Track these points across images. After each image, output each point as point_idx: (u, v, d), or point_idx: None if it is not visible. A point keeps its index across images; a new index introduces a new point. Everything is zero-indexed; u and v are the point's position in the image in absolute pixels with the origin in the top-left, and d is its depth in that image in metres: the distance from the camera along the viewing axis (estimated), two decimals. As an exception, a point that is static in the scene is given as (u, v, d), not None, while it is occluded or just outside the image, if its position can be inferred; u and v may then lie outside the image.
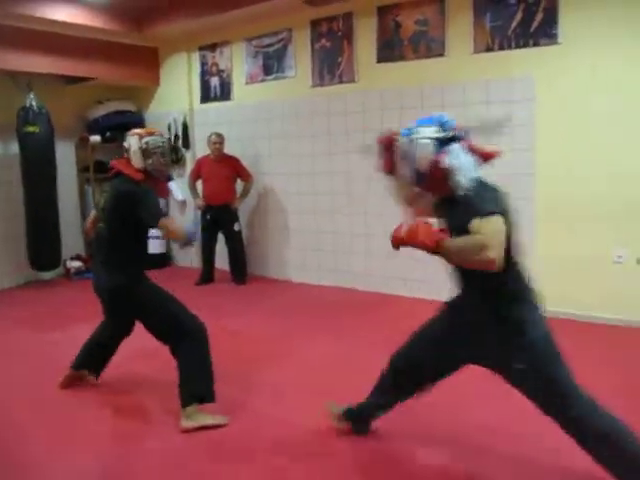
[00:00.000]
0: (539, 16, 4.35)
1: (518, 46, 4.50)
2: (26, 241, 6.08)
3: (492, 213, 2.05)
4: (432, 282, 4.95)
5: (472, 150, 2.27)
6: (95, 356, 3.47)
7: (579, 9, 4.24)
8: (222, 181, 5.93)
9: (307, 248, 6.07)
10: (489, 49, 4.65)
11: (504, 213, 2.11)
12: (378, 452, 2.69)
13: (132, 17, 6.11)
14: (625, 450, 2.12)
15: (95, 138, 6.78)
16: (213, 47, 6.50)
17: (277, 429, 2.93)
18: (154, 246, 6.91)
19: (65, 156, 6.67)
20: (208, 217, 6.07)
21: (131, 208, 2.97)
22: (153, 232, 3.62)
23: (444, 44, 4.88)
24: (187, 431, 2.88)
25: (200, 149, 6.63)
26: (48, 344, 4.41)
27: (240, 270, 6.18)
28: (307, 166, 5.91)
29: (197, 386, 2.96)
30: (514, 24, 4.49)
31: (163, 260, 7.16)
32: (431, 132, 2.24)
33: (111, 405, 3.29)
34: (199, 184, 6.19)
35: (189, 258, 7.08)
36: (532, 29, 4.41)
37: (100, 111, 6.88)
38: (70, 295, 6.00)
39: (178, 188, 6.90)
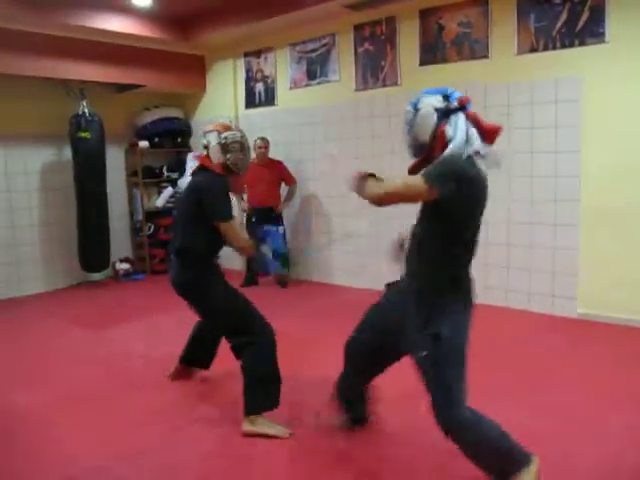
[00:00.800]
0: (585, 15, 4.30)
1: (563, 46, 4.45)
2: (77, 243, 6.31)
3: (426, 179, 2.08)
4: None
5: (475, 123, 2.23)
6: (196, 350, 3.57)
7: (627, 7, 4.15)
8: (267, 185, 6.02)
9: (350, 252, 6.10)
10: (533, 50, 4.61)
11: (447, 191, 2.07)
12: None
13: (179, 26, 6.30)
14: (503, 454, 2.17)
15: (144, 144, 6.99)
16: (258, 53, 6.63)
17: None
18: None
19: (115, 161, 6.89)
20: (253, 220, 6.17)
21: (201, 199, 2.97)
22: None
23: (488, 46, 4.86)
24: (247, 435, 2.89)
25: (245, 154, 6.74)
26: (103, 340, 4.57)
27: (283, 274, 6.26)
28: (351, 170, 5.92)
29: (263, 394, 2.95)
30: (559, 24, 4.44)
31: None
32: (434, 100, 2.25)
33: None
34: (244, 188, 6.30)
35: (234, 261, 7.20)
36: (578, 29, 4.35)
37: (148, 118, 7.10)
38: (119, 296, 6.21)
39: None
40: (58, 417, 3.24)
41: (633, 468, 2.51)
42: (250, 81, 6.78)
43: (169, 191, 7.11)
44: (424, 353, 2.20)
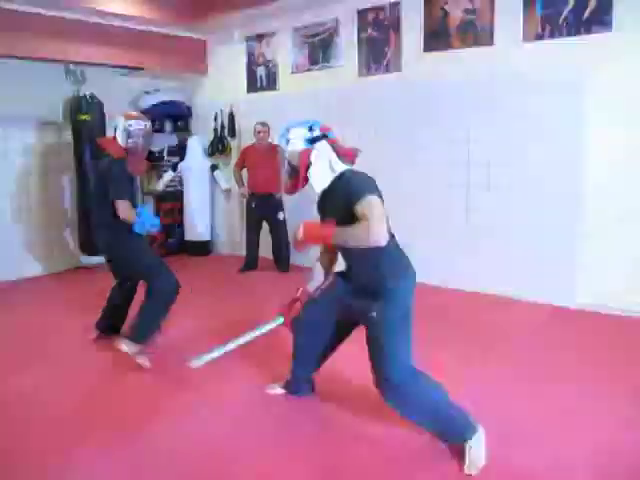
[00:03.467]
0: (592, 3, 4.25)
1: (570, 34, 4.41)
2: (77, 226, 6.29)
3: (367, 194, 2.32)
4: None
5: (335, 148, 2.59)
6: (111, 318, 4.13)
7: (635, -5, 4.11)
8: (267, 170, 5.98)
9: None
10: (539, 37, 4.57)
11: (378, 193, 2.39)
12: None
13: (181, 8, 6.23)
14: (442, 419, 2.47)
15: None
16: (260, 37, 6.57)
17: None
18: (198, 233, 7.09)
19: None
20: (253, 205, 6.16)
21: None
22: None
23: (493, 33, 4.81)
24: (121, 351, 3.54)
25: (246, 138, 6.71)
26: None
27: (283, 259, 6.25)
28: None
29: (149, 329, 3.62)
30: (566, 12, 4.40)
31: (207, 247, 7.30)
32: (301, 132, 2.61)
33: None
34: (244, 173, 6.27)
35: (234, 246, 7.20)
36: (585, 16, 4.31)
37: (149, 101, 7.05)
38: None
39: (223, 177, 7.06)
40: (55, 399, 3.23)
41: (629, 460, 2.52)
42: (252, 65, 6.73)
43: (169, 175, 7.08)
44: (372, 319, 2.48)
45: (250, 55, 6.72)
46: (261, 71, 6.63)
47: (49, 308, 5.07)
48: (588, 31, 4.31)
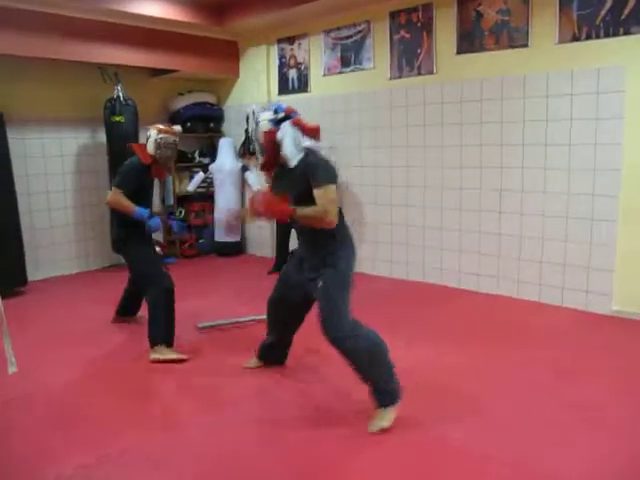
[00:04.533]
0: (631, 2, 4.14)
1: (607, 35, 4.30)
2: (110, 226, 6.37)
3: (328, 183, 2.74)
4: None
5: (298, 126, 2.93)
6: (126, 304, 4.58)
7: (676, -6, 4.00)
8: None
9: (379, 240, 6.05)
10: (575, 39, 4.47)
11: (336, 180, 2.78)
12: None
13: (213, 11, 6.28)
14: (382, 365, 2.84)
15: (177, 128, 6.98)
16: (291, 40, 6.58)
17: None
18: (223, 234, 7.12)
19: (148, 146, 6.92)
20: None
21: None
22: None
23: (527, 34, 4.73)
24: (155, 361, 3.74)
25: (277, 140, 6.73)
26: (130, 323, 4.63)
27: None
28: (385, 158, 5.88)
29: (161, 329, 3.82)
30: (603, 12, 4.30)
31: (238, 248, 7.34)
32: (268, 115, 2.97)
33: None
34: (275, 175, 6.28)
35: (264, 247, 7.23)
36: (623, 16, 4.20)
37: (182, 102, 7.13)
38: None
39: (254, 178, 7.09)
40: (85, 399, 3.30)
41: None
42: (283, 67, 6.75)
43: (200, 176, 7.10)
44: (321, 283, 2.86)
45: (282, 57, 6.74)
46: (292, 73, 6.64)
47: (80, 306, 5.17)
48: (627, 32, 4.20)
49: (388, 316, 4.46)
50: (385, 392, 2.85)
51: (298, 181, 2.82)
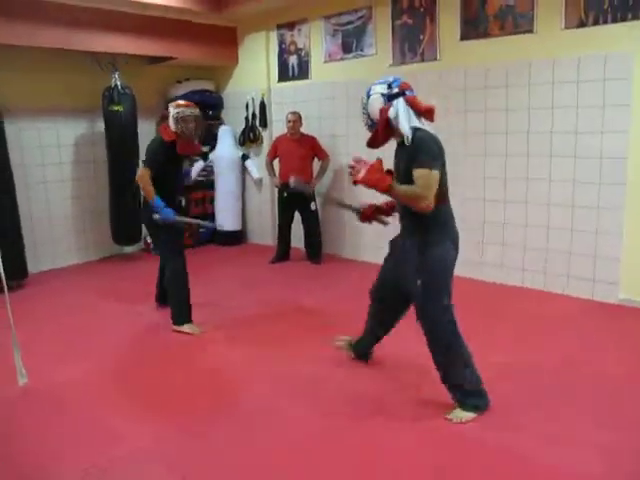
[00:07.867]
0: (641, -13, 4.08)
1: (615, 20, 4.24)
2: (109, 216, 6.33)
3: (430, 167, 2.63)
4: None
5: (412, 104, 2.79)
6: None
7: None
8: (299, 160, 5.93)
9: (382, 229, 5.98)
10: (582, 24, 4.40)
11: (441, 165, 2.70)
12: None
13: (212, -3, 6.18)
14: (458, 357, 2.80)
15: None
16: (291, 26, 6.48)
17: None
18: (228, 223, 7.07)
19: (147, 134, 6.79)
20: (285, 196, 6.11)
21: None
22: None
23: (533, 20, 4.65)
24: (175, 331, 4.15)
25: (277, 128, 6.66)
26: (131, 314, 4.61)
27: (315, 249, 6.20)
28: (386, 146, 5.79)
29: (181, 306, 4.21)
30: (611, -4, 4.23)
31: (239, 237, 7.29)
32: (381, 88, 2.85)
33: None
34: (276, 163, 6.22)
35: (265, 236, 7.18)
36: (632, 1, 4.13)
37: (180, 90, 7.02)
38: (150, 269, 6.18)
39: (254, 166, 7.04)
40: (89, 394, 3.28)
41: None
42: (283, 54, 6.65)
43: (200, 164, 7.08)
44: (419, 281, 2.78)
45: (281, 43, 6.64)
46: (293, 60, 6.55)
47: (82, 298, 5.13)
48: (635, 17, 4.13)
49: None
50: (466, 392, 2.86)
51: (406, 159, 2.74)
